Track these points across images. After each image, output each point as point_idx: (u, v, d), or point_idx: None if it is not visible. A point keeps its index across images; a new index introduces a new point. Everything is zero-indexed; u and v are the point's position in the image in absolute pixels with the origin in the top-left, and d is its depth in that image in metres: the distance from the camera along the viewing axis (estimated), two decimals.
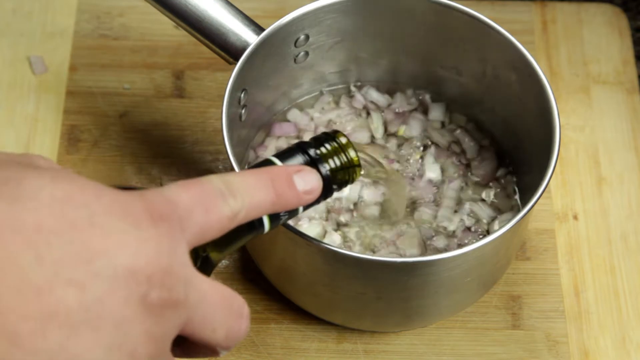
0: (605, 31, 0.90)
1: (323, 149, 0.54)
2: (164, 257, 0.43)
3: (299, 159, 0.54)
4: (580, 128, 0.85)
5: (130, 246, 0.42)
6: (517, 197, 0.77)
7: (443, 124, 0.80)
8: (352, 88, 0.81)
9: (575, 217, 0.81)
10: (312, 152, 0.54)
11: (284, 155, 0.54)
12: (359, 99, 0.80)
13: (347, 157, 0.55)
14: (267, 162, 0.53)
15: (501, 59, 0.73)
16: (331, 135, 0.55)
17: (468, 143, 0.79)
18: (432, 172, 0.78)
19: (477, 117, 0.80)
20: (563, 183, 0.83)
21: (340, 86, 0.81)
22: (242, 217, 0.48)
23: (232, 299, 0.47)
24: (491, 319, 0.76)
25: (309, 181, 0.52)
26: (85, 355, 0.40)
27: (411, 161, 0.78)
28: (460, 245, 0.74)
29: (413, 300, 0.69)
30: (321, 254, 0.65)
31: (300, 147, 0.54)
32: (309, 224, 0.74)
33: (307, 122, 0.79)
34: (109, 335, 0.41)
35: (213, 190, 0.47)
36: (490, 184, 0.78)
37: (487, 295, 0.76)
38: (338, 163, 0.55)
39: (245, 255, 0.77)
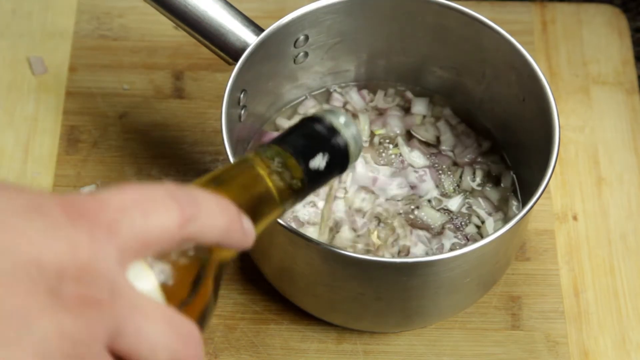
0: (604, 31, 0.90)
1: (335, 121, 0.52)
2: (81, 254, 0.38)
3: (311, 130, 0.52)
4: (580, 128, 0.85)
5: (38, 241, 0.37)
6: (516, 197, 0.77)
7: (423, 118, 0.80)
8: (337, 89, 0.81)
9: (574, 218, 0.81)
10: (326, 123, 0.52)
11: (297, 129, 0.52)
12: (337, 98, 0.80)
13: (355, 129, 0.53)
14: (279, 141, 0.52)
15: (501, 59, 0.73)
16: (335, 110, 0.54)
17: (449, 133, 0.79)
18: (415, 158, 0.78)
19: (477, 117, 0.80)
20: (563, 183, 0.83)
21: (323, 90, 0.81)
22: (194, 231, 0.43)
23: (181, 322, 0.41)
24: (491, 319, 0.76)
25: (250, 227, 0.47)
26: None
27: (392, 157, 0.78)
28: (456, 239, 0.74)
29: (413, 300, 0.69)
30: (321, 255, 0.65)
31: (312, 120, 0.52)
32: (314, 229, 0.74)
33: None
34: (6, 331, 0.36)
35: (157, 194, 0.42)
36: (476, 165, 0.78)
37: (487, 295, 0.76)
38: (352, 132, 0.53)
39: (245, 256, 0.77)
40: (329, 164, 0.52)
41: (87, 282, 0.38)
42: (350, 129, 0.52)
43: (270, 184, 0.49)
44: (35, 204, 0.39)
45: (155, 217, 0.41)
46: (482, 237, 0.75)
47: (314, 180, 0.51)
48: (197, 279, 0.45)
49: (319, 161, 0.51)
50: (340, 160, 0.52)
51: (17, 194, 0.39)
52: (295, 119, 0.80)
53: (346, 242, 0.74)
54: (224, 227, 0.44)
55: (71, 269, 0.38)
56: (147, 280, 0.42)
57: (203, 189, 0.46)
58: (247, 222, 0.46)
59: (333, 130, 0.52)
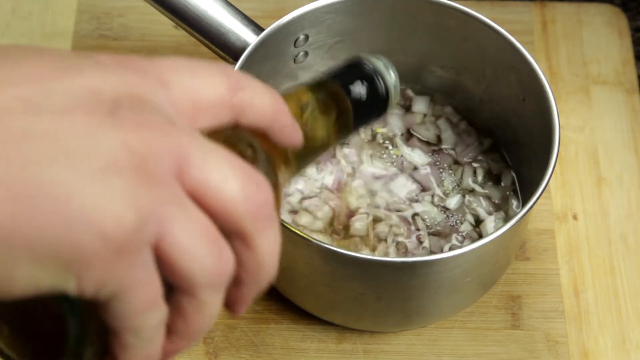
0: (604, 31, 0.90)
1: (379, 63, 0.55)
2: (133, 87, 0.38)
3: (359, 70, 0.54)
4: (580, 128, 0.85)
5: (92, 75, 0.37)
6: (517, 196, 0.77)
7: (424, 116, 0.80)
8: None
9: (575, 217, 0.81)
10: (370, 65, 0.55)
11: (346, 70, 0.54)
12: None
13: (395, 75, 0.56)
14: (328, 76, 0.54)
15: (501, 59, 0.73)
16: (378, 56, 0.56)
17: (450, 131, 0.79)
18: (416, 158, 0.78)
19: (477, 117, 0.80)
20: (563, 183, 0.83)
21: None
22: (244, 100, 0.42)
23: (248, 167, 0.39)
24: (491, 319, 0.76)
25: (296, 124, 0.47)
26: (46, 160, 0.35)
27: (394, 157, 0.78)
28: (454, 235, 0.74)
29: (413, 300, 0.69)
30: (321, 254, 0.65)
31: (359, 61, 0.55)
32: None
33: None
34: (73, 144, 0.35)
35: (208, 63, 0.41)
36: (477, 164, 0.78)
37: (487, 295, 0.76)
38: (390, 78, 0.55)
39: None
40: (371, 103, 0.54)
41: (143, 109, 0.37)
42: (391, 74, 0.55)
43: (318, 113, 0.51)
44: (86, 54, 0.38)
45: (205, 79, 0.40)
46: (477, 234, 0.75)
47: (359, 116, 0.53)
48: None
49: (364, 96, 0.53)
50: (381, 102, 0.55)
51: (66, 50, 0.40)
52: None
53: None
54: (272, 106, 0.43)
55: (127, 97, 0.37)
56: None
57: None
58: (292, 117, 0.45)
59: (377, 73, 0.54)
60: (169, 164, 0.37)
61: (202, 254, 0.37)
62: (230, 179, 0.38)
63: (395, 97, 0.55)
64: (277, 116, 0.44)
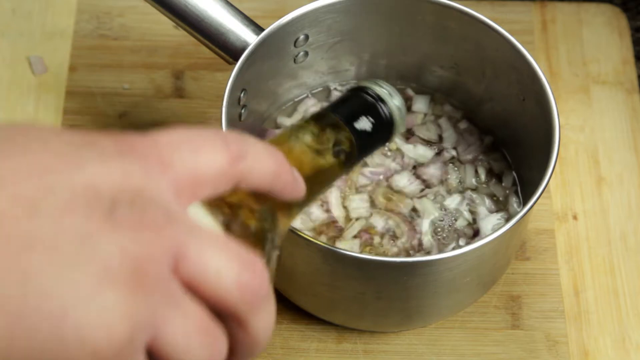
0: (604, 31, 0.90)
1: (380, 90, 0.54)
2: (134, 181, 0.38)
3: (360, 100, 0.54)
4: (580, 128, 0.85)
5: (92, 170, 0.38)
6: (517, 196, 0.77)
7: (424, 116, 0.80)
8: (337, 87, 0.81)
9: (574, 217, 0.81)
10: (372, 93, 0.54)
11: (346, 101, 0.54)
12: (338, 96, 0.81)
13: (399, 100, 0.55)
14: (329, 109, 0.53)
15: (501, 58, 0.73)
16: (379, 81, 0.56)
17: (451, 130, 0.79)
18: (421, 152, 0.78)
19: (477, 117, 0.80)
20: (563, 183, 0.83)
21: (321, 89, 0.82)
22: (244, 170, 0.42)
23: (243, 251, 0.40)
24: (491, 319, 0.76)
25: (299, 176, 0.48)
26: (44, 272, 0.35)
27: (389, 154, 0.78)
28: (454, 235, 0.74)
29: (412, 300, 0.69)
30: (321, 254, 0.65)
31: (359, 90, 0.54)
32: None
33: None
34: (70, 253, 0.36)
35: (206, 133, 0.41)
36: (477, 163, 0.78)
37: (487, 295, 0.76)
38: (397, 102, 0.55)
39: None
40: (376, 131, 0.53)
41: (142, 206, 0.38)
42: (394, 99, 0.54)
43: (321, 149, 0.51)
44: (88, 139, 0.39)
45: (205, 153, 0.41)
46: (473, 230, 0.75)
47: (363, 146, 0.53)
48: (255, 233, 0.44)
49: (367, 126, 0.53)
50: (386, 129, 0.54)
51: (70, 133, 0.39)
52: (296, 117, 0.80)
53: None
54: (273, 169, 0.44)
55: (126, 193, 0.38)
56: (206, 222, 0.41)
57: None
58: (295, 170, 0.46)
59: (379, 100, 0.54)
60: (165, 263, 0.38)
61: (196, 348, 0.39)
62: (226, 269, 0.39)
63: (401, 122, 0.55)
64: (278, 178, 0.44)
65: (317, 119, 0.52)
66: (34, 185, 0.37)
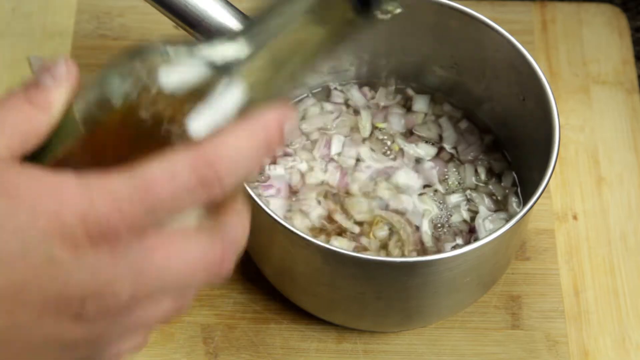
0: (604, 31, 0.90)
1: None
2: (101, 277, 0.40)
3: None
4: (580, 128, 0.85)
5: (61, 279, 0.39)
6: (517, 196, 0.77)
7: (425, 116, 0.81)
8: (337, 86, 0.81)
9: (574, 217, 0.81)
10: None
11: None
12: (338, 95, 0.81)
13: None
14: None
15: (501, 58, 0.73)
16: None
17: (451, 130, 0.79)
18: (422, 151, 0.78)
19: (477, 117, 0.80)
20: (563, 183, 0.83)
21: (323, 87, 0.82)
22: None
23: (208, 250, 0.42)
24: (491, 319, 0.76)
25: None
26: None
27: (389, 154, 0.78)
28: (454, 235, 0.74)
29: (412, 300, 0.69)
30: (320, 254, 0.65)
31: None
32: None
33: (298, 133, 0.79)
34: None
35: (184, 183, 0.40)
36: (477, 163, 0.78)
37: (487, 295, 0.76)
38: None
39: (245, 256, 0.77)
40: None
41: (107, 298, 0.40)
42: None
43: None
44: (58, 225, 0.39)
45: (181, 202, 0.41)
46: (469, 228, 0.75)
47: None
48: None
49: None
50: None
51: (37, 209, 0.39)
52: (296, 117, 0.80)
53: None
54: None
55: (93, 295, 0.40)
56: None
57: None
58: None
59: None
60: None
61: None
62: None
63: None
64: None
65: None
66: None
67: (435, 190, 0.77)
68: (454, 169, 0.78)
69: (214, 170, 0.40)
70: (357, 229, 0.74)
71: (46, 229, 0.39)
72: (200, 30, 0.70)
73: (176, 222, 0.42)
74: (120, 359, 0.44)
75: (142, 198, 0.39)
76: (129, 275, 0.40)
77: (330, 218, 0.75)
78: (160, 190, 0.39)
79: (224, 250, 0.42)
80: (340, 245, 0.73)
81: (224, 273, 0.42)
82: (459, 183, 0.77)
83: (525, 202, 0.66)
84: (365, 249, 0.73)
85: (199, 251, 0.41)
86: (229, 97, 0.43)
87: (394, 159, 0.78)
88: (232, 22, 0.70)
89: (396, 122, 0.80)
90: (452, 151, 0.79)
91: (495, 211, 0.76)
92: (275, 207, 0.74)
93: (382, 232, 0.74)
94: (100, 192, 0.39)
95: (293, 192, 0.76)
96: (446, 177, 0.77)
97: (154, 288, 0.41)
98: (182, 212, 0.41)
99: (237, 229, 0.43)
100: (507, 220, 0.67)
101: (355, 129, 0.79)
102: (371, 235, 0.74)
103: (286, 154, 0.78)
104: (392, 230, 0.74)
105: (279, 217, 0.64)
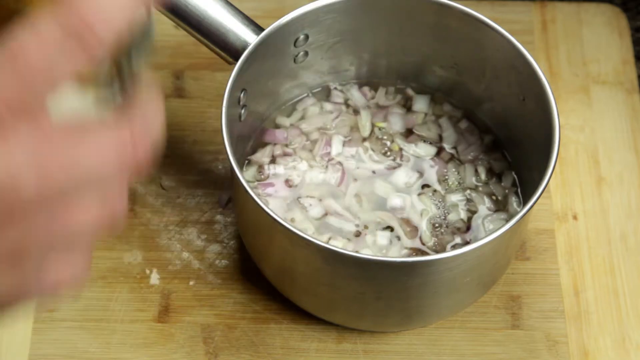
0: (604, 31, 0.90)
1: None
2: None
3: None
4: (580, 128, 0.85)
5: None
6: (517, 196, 0.77)
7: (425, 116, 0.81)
8: (337, 86, 0.81)
9: (574, 217, 0.81)
10: None
11: None
12: (338, 95, 0.81)
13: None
14: None
15: (501, 58, 0.73)
16: None
17: (451, 130, 0.79)
18: (422, 150, 0.78)
19: (477, 117, 0.80)
20: (563, 183, 0.83)
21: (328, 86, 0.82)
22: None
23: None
24: (491, 318, 0.76)
25: None
26: None
27: (389, 155, 0.78)
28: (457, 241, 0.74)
29: (412, 300, 0.69)
30: (320, 254, 0.65)
31: None
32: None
33: (298, 133, 0.79)
34: None
35: (54, 39, 0.35)
36: (477, 163, 0.78)
37: (487, 295, 0.76)
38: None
39: (245, 256, 0.77)
40: None
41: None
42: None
43: None
44: None
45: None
46: (466, 226, 0.75)
47: None
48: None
49: None
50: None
51: None
52: (296, 116, 0.80)
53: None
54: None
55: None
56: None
57: None
58: None
59: None
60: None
61: None
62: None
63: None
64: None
65: None
66: None
67: (435, 190, 0.77)
68: (454, 169, 0.78)
69: (80, 17, 0.35)
70: (357, 229, 0.74)
71: None
72: (200, 30, 0.70)
73: (68, 101, 0.38)
74: (61, 288, 0.39)
75: (13, 68, 0.35)
76: (28, 165, 0.35)
77: (330, 218, 0.75)
78: (30, 54, 0.35)
79: (135, 134, 0.38)
80: (340, 245, 0.73)
81: (140, 159, 0.38)
82: (459, 183, 0.77)
83: (525, 202, 0.66)
84: (365, 249, 0.73)
85: (105, 135, 0.37)
86: None
87: (394, 158, 0.78)
88: (232, 22, 0.70)
89: (396, 122, 0.80)
90: (452, 151, 0.79)
91: (495, 211, 0.76)
92: (274, 206, 0.74)
93: (381, 232, 0.74)
94: None
95: (293, 191, 0.76)
96: (446, 177, 0.77)
97: (63, 182, 0.36)
98: (64, 80, 0.36)
99: (146, 111, 0.39)
100: (507, 221, 0.67)
101: (355, 128, 0.79)
102: (371, 235, 0.74)
103: (286, 154, 0.78)
104: (391, 230, 0.74)
105: (278, 216, 0.64)
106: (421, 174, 0.77)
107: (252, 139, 0.78)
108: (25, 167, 0.35)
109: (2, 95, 0.35)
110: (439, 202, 0.76)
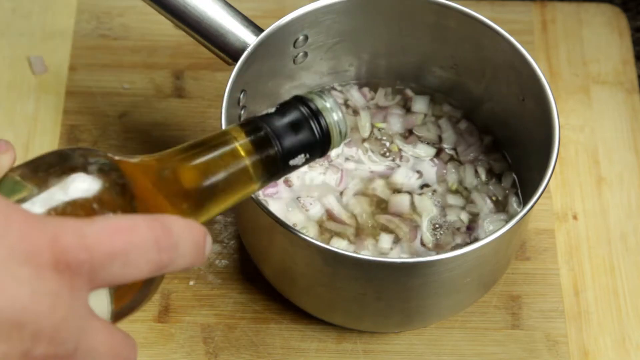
0: (604, 31, 0.90)
1: (321, 103, 0.52)
2: (59, 312, 0.40)
3: (297, 112, 0.52)
4: (580, 128, 0.85)
5: (21, 299, 0.39)
6: (517, 196, 0.77)
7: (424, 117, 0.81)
8: (336, 87, 0.81)
9: (574, 217, 0.81)
10: (312, 105, 0.52)
11: (284, 108, 0.52)
12: (338, 95, 0.81)
13: (339, 115, 0.53)
14: (266, 116, 0.52)
15: (501, 58, 0.73)
16: (323, 93, 0.54)
17: (451, 131, 0.79)
18: (422, 151, 0.78)
19: (477, 117, 0.80)
20: (563, 183, 0.83)
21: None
22: (168, 269, 0.45)
23: (122, 347, 0.44)
24: (491, 319, 0.76)
25: (210, 247, 0.48)
26: None
27: (388, 156, 0.78)
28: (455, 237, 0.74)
29: (413, 300, 0.69)
30: (321, 255, 0.65)
31: (299, 101, 0.53)
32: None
33: None
34: None
35: (143, 241, 0.43)
36: (477, 164, 0.78)
37: (487, 295, 0.76)
38: (335, 118, 0.53)
39: (245, 256, 0.77)
40: (306, 146, 0.52)
41: (58, 341, 0.40)
42: (334, 114, 0.52)
43: (245, 159, 0.50)
44: (27, 245, 0.40)
45: (134, 269, 0.43)
46: (466, 227, 0.75)
47: (288, 160, 0.52)
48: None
49: (295, 143, 0.52)
50: (320, 144, 0.52)
51: (8, 226, 0.40)
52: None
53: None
54: (190, 263, 0.46)
55: (47, 330, 0.40)
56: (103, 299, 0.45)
57: (179, 166, 0.49)
58: (209, 244, 0.47)
59: (316, 113, 0.52)
60: None
61: None
62: None
63: (338, 139, 0.53)
64: (190, 266, 0.46)
65: (248, 126, 0.51)
66: None
67: (434, 191, 0.77)
68: (454, 170, 0.78)
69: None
70: (356, 230, 0.74)
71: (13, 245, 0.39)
72: (199, 31, 0.70)
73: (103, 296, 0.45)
74: None
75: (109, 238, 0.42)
76: (76, 326, 0.41)
77: (330, 218, 0.75)
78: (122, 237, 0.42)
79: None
80: (340, 246, 0.73)
81: None
82: (459, 183, 0.77)
83: (525, 203, 0.66)
84: (365, 250, 0.73)
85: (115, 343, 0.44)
86: None
87: (393, 159, 0.78)
88: (231, 23, 0.70)
89: (395, 122, 0.80)
90: (452, 152, 0.79)
91: (495, 212, 0.76)
92: (275, 207, 0.74)
93: (381, 232, 0.74)
94: (68, 225, 0.41)
95: (293, 192, 0.76)
96: (445, 177, 0.77)
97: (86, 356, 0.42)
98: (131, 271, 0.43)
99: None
100: (507, 221, 0.67)
101: (354, 129, 0.79)
102: (371, 236, 0.74)
103: None
104: (391, 231, 0.74)
105: (279, 217, 0.64)
106: (421, 174, 0.77)
107: None
108: (73, 325, 0.42)
109: (93, 254, 0.42)
110: (439, 203, 0.76)
